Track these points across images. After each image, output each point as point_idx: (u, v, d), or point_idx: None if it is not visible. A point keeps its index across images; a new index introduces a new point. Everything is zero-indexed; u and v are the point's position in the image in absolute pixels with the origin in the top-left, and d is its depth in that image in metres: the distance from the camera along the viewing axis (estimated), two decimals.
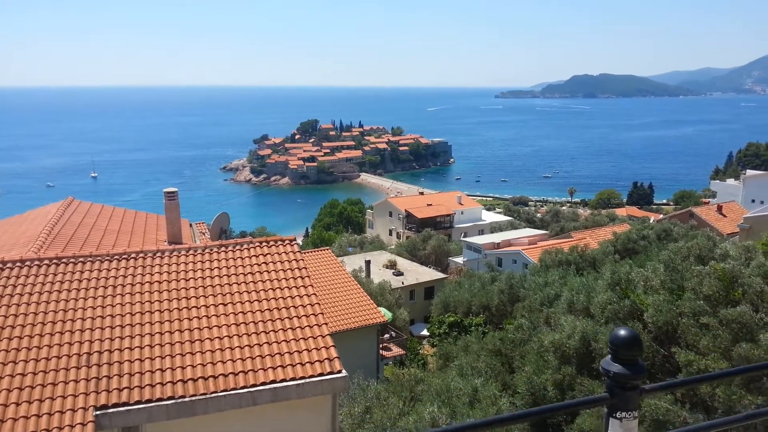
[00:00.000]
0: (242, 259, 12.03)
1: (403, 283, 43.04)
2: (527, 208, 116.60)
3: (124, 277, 11.06)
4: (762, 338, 9.92)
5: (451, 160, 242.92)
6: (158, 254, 11.78)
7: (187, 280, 11.20)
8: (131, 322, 10.08)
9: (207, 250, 12.14)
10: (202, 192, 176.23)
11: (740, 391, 9.46)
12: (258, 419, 9.61)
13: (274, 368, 9.63)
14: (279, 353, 9.90)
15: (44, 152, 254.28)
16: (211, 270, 11.60)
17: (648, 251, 25.75)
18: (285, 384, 9.46)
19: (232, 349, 9.82)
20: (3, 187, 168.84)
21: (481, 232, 72.73)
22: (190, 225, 22.09)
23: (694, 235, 21.39)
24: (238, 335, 10.10)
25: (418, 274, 45.95)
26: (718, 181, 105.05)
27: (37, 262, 11.00)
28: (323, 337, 10.38)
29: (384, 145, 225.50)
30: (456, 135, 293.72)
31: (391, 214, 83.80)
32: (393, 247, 63.57)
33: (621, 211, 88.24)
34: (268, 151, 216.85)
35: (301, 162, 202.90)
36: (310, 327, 10.55)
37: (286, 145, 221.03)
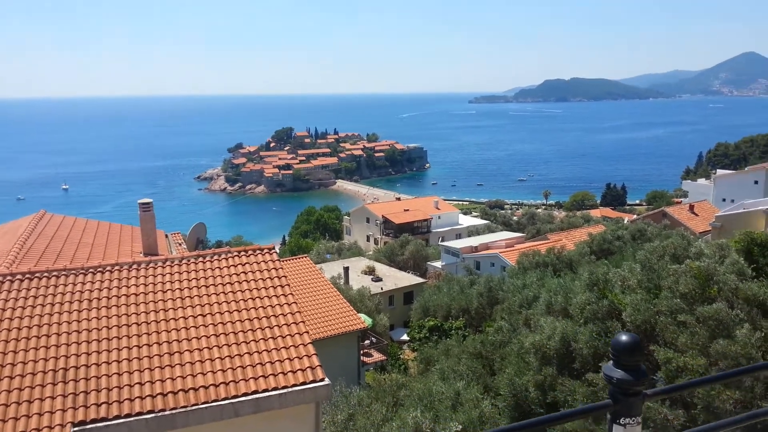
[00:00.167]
0: (221, 269, 11.90)
1: (382, 288, 43.02)
2: (503, 211, 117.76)
3: (100, 290, 10.85)
4: (738, 334, 10.10)
5: (427, 165, 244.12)
6: (134, 266, 11.60)
7: (164, 292, 11.03)
8: (108, 335, 9.88)
9: (184, 261, 11.98)
10: (176, 202, 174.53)
11: (719, 386, 9.61)
12: (240, 430, 9.49)
13: (255, 378, 9.50)
14: (260, 363, 9.78)
15: (8, 165, 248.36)
16: (189, 281, 11.45)
17: (623, 251, 26.05)
18: (267, 394, 9.35)
19: (212, 360, 9.68)
20: None
21: (459, 236, 73.02)
22: (166, 236, 21.84)
23: (669, 235, 21.73)
24: (218, 346, 9.97)
25: (396, 279, 45.98)
26: (689, 181, 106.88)
27: (9, 278, 10.75)
28: (305, 345, 10.30)
29: (359, 152, 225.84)
30: (431, 140, 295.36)
31: (368, 221, 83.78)
32: (371, 253, 63.49)
33: (595, 213, 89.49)
34: (242, 160, 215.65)
35: (276, 170, 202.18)
36: (292, 336, 10.46)
37: (261, 153, 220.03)
